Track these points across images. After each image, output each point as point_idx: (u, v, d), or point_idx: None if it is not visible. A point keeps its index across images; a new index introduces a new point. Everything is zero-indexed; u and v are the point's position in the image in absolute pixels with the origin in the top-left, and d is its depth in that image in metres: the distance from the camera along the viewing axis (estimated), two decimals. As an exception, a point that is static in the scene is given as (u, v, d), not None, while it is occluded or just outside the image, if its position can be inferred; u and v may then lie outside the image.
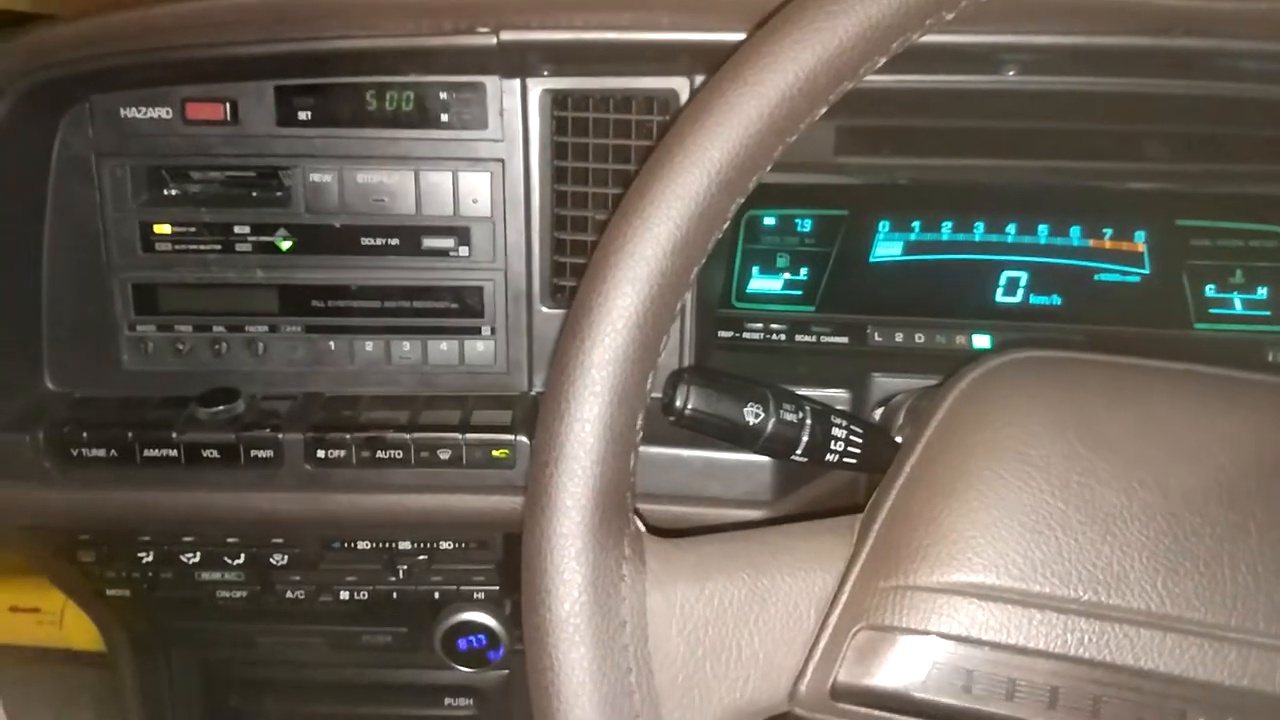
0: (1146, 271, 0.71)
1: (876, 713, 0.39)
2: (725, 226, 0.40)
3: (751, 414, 0.49)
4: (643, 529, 0.41)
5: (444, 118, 0.60)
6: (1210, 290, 0.71)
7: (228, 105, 0.60)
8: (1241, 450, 0.40)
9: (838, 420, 0.50)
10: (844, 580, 0.40)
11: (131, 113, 0.60)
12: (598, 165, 0.61)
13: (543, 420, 0.39)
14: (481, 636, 0.69)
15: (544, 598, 0.37)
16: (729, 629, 0.40)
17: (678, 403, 0.48)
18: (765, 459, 0.59)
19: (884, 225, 0.72)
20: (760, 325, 0.71)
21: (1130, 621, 0.38)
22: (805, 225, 0.73)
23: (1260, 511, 0.39)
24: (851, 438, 0.50)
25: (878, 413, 0.63)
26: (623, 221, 0.39)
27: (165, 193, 0.62)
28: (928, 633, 0.39)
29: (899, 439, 0.53)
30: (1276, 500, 0.39)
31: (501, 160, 0.61)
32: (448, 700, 0.75)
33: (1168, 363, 0.44)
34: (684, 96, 0.60)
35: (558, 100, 0.61)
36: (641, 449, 0.59)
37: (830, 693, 0.39)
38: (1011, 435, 0.41)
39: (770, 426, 0.49)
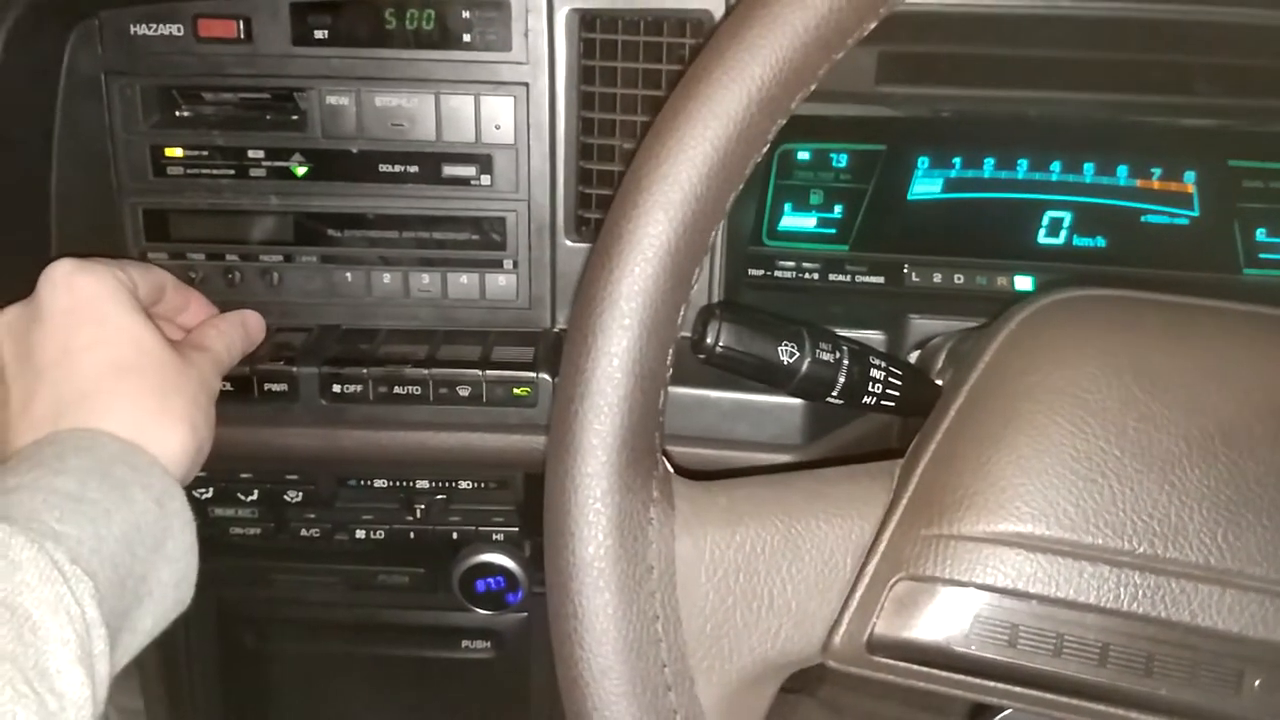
0: (1195, 214, 0.69)
1: (915, 666, 0.38)
2: (765, 150, 0.37)
3: (786, 353, 0.46)
4: (671, 471, 0.39)
5: (466, 38, 0.57)
6: (1261, 234, 0.69)
7: (241, 23, 0.57)
8: None
9: (876, 361, 0.48)
10: (883, 528, 0.39)
11: (142, 29, 0.58)
12: (626, 91, 0.58)
13: (568, 354, 0.37)
14: (500, 579, 0.68)
15: (567, 540, 0.35)
16: (761, 577, 0.38)
17: (709, 339, 0.46)
18: (795, 401, 0.57)
19: (923, 161, 0.69)
20: (792, 264, 0.69)
21: (1187, 576, 0.36)
22: (841, 160, 0.70)
23: None
24: (890, 379, 0.48)
25: (914, 355, 0.61)
26: (656, 142, 0.36)
27: (177, 114, 0.59)
28: (971, 584, 0.37)
29: (939, 382, 0.51)
30: None
31: (526, 84, 0.58)
32: (465, 643, 0.74)
33: (1229, 303, 0.42)
34: (719, 17, 0.56)
35: (585, 21, 0.58)
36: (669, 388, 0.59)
37: (866, 645, 0.38)
38: (1064, 378, 0.38)
39: (805, 366, 0.47)
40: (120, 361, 0.45)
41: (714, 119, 0.36)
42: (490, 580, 0.69)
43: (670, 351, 0.38)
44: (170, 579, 0.42)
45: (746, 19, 0.36)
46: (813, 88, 0.37)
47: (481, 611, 0.71)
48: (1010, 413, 0.38)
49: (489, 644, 0.74)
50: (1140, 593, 0.36)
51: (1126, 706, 0.37)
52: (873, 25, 0.37)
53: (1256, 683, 0.36)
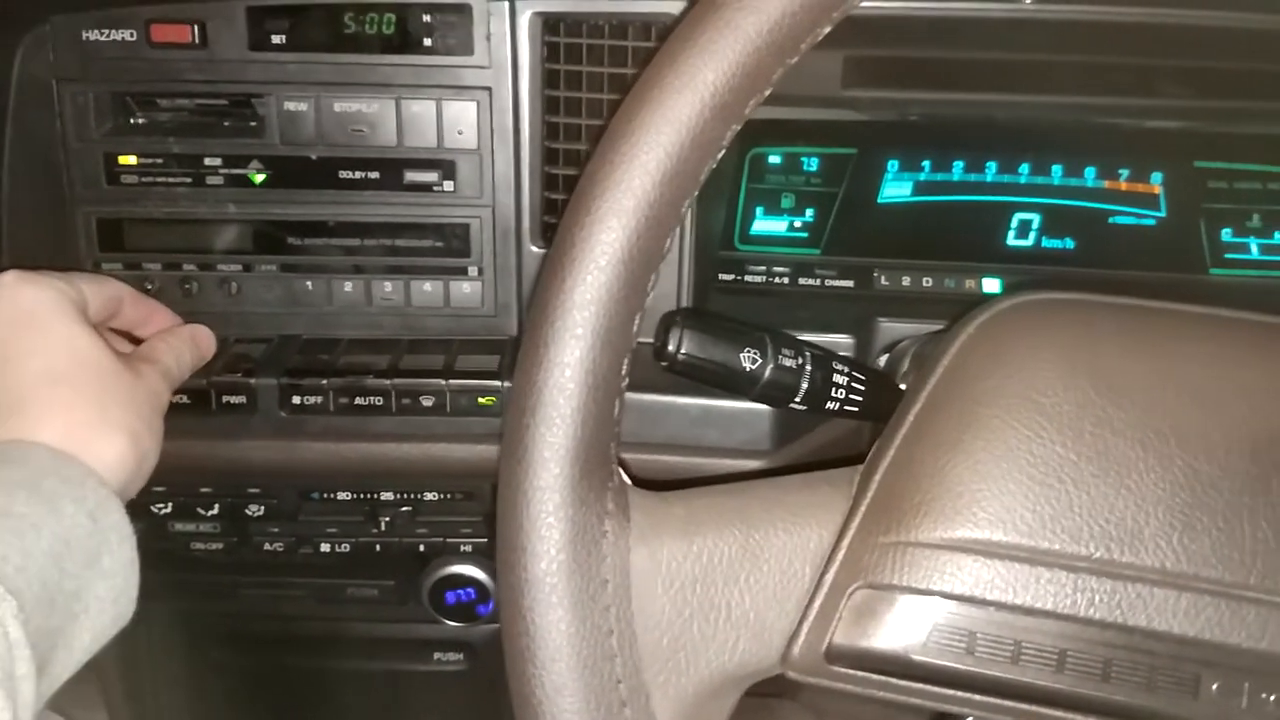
0: (1162, 214, 0.69)
1: (874, 676, 0.37)
2: (720, 155, 0.37)
3: (748, 359, 0.46)
4: (627, 482, 0.39)
5: (427, 42, 0.57)
6: (1227, 235, 0.69)
7: (195, 27, 0.56)
8: (1263, 399, 0.38)
9: (839, 366, 0.48)
10: (841, 536, 0.38)
11: (94, 35, 0.57)
12: (591, 95, 0.57)
13: (520, 365, 0.36)
14: (470, 590, 0.68)
15: (519, 556, 0.35)
16: (718, 588, 0.38)
17: (670, 347, 0.45)
18: (765, 406, 0.57)
19: (893, 165, 0.69)
20: (763, 268, 0.69)
21: (1144, 580, 0.36)
22: (812, 164, 0.70)
23: None
24: (853, 385, 0.48)
25: (883, 359, 0.61)
26: (608, 149, 0.36)
27: (131, 121, 0.58)
28: (929, 592, 0.37)
29: (903, 386, 0.51)
30: None
31: (489, 89, 0.58)
32: (437, 655, 0.73)
33: (1187, 306, 0.42)
34: (681, 21, 0.56)
35: (549, 24, 0.57)
36: (635, 396, 0.58)
37: (825, 655, 0.37)
38: (1021, 382, 0.38)
39: (767, 373, 0.46)
40: (56, 371, 0.44)
41: (667, 125, 0.35)
42: (460, 592, 0.68)
43: (626, 361, 0.37)
44: (108, 594, 0.41)
45: (699, 23, 0.35)
46: (767, 92, 0.37)
47: (452, 623, 0.70)
48: (967, 418, 0.38)
49: (461, 655, 0.74)
50: (1097, 598, 0.36)
51: (1085, 712, 0.36)
52: (827, 30, 0.37)
53: (1214, 686, 0.36)
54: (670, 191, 0.36)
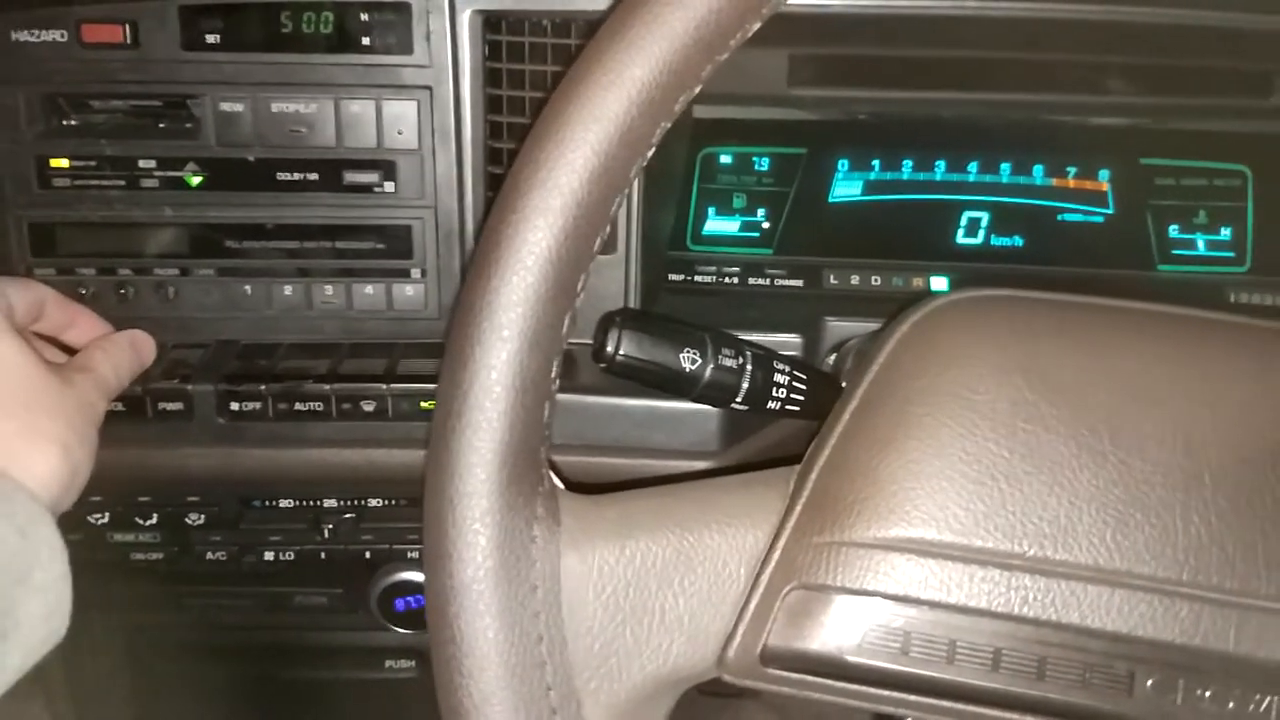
0: (1110, 211, 0.69)
1: (809, 678, 0.37)
2: (650, 153, 0.36)
3: (688, 360, 0.46)
4: (559, 485, 0.38)
5: (365, 41, 0.56)
6: (1174, 231, 0.69)
7: (127, 27, 0.55)
8: (1197, 394, 0.38)
9: (780, 366, 0.48)
10: (776, 536, 0.38)
11: (23, 35, 0.55)
12: (535, 94, 0.57)
13: (446, 368, 0.35)
14: (420, 596, 0.67)
15: (445, 563, 0.34)
16: (651, 592, 0.37)
17: (608, 348, 0.45)
18: (712, 407, 0.56)
19: (843, 164, 0.69)
20: (713, 268, 0.69)
21: (1077, 578, 0.36)
22: (763, 164, 0.70)
23: (1216, 459, 0.37)
24: (795, 384, 0.48)
25: (831, 358, 0.60)
26: (534, 147, 0.35)
27: (63, 123, 0.57)
28: (864, 592, 0.36)
29: (845, 384, 0.51)
30: (1233, 447, 0.37)
31: (429, 88, 0.57)
32: (389, 663, 0.72)
33: (1124, 302, 0.42)
34: (624, 20, 0.55)
35: (490, 22, 0.57)
36: (580, 398, 0.58)
37: (760, 657, 0.37)
38: (954, 379, 0.38)
39: (708, 373, 0.46)
40: None
41: (594, 122, 0.35)
42: (410, 599, 0.67)
43: (556, 363, 0.36)
44: (40, 611, 0.40)
45: (625, 20, 0.35)
46: (697, 89, 0.37)
47: (403, 630, 0.69)
48: (901, 416, 0.38)
49: (413, 663, 0.73)
50: (1031, 595, 0.36)
51: (1020, 711, 0.36)
52: (756, 26, 0.36)
53: (1149, 683, 0.36)
54: (599, 190, 0.35)
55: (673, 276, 0.69)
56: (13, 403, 0.43)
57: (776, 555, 0.37)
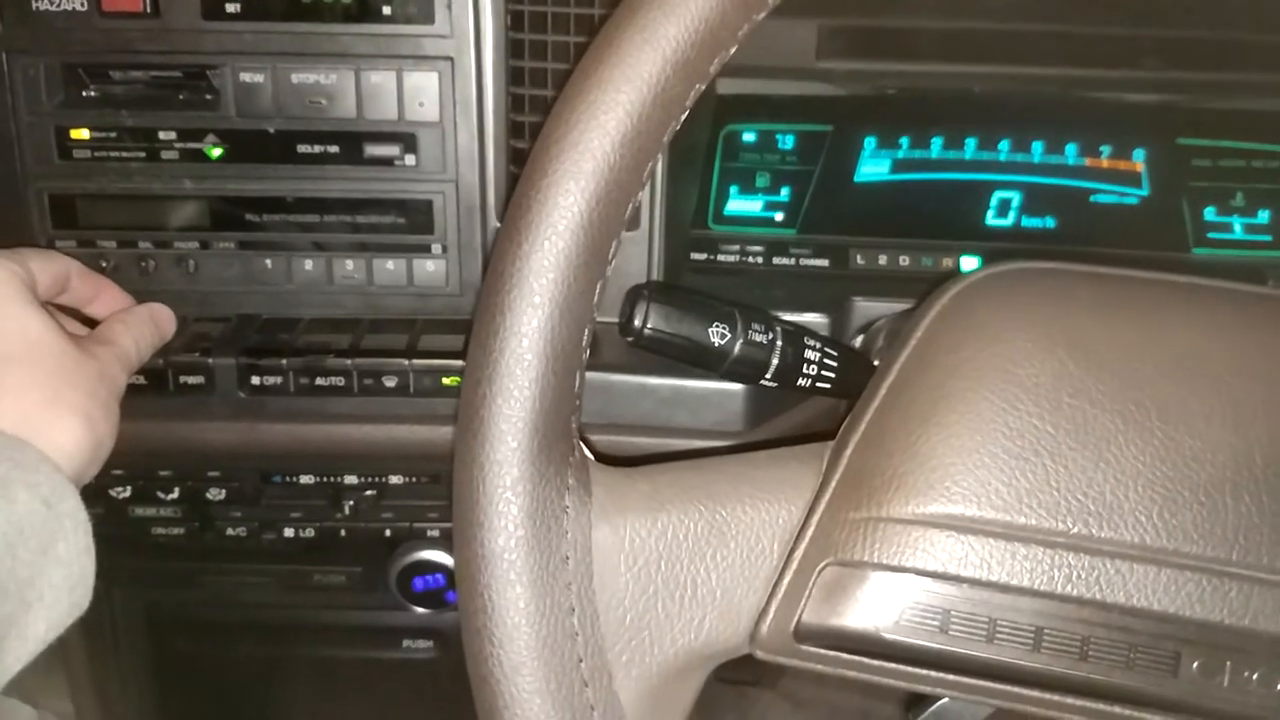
0: (1145, 193, 0.68)
1: (844, 655, 0.36)
2: (683, 116, 0.35)
3: (717, 334, 0.45)
4: (589, 456, 0.38)
5: (386, 11, 0.55)
6: (1210, 214, 0.68)
7: (147, -4, 0.54)
8: (1247, 368, 0.37)
9: (811, 342, 0.47)
10: (810, 512, 0.37)
11: (43, 5, 0.55)
12: (557, 66, 0.56)
13: (476, 335, 0.35)
14: (439, 576, 0.66)
15: (476, 531, 0.33)
16: (683, 565, 0.36)
17: (636, 321, 0.44)
18: (737, 386, 0.55)
19: (870, 142, 0.68)
20: (736, 248, 0.68)
21: (1123, 556, 0.35)
22: (787, 142, 0.69)
23: (1267, 435, 0.36)
24: (826, 360, 0.47)
25: (859, 339, 0.59)
26: (565, 108, 0.34)
27: (83, 94, 0.56)
28: (901, 569, 0.35)
29: (877, 363, 0.50)
30: None
31: (450, 59, 0.56)
32: (406, 642, 0.72)
33: (1169, 275, 0.40)
34: (651, -12, 0.54)
35: (512, -9, 0.56)
36: (603, 376, 0.57)
37: (794, 634, 0.36)
38: (996, 353, 0.37)
39: (737, 348, 0.45)
40: (8, 354, 0.42)
41: (627, 83, 0.34)
42: (429, 578, 0.67)
43: (587, 331, 0.36)
44: (63, 582, 0.40)
45: None
46: (733, 50, 0.36)
47: (421, 610, 0.68)
48: (941, 390, 0.37)
49: (431, 643, 0.72)
50: (1075, 574, 0.35)
51: (1062, 692, 0.35)
52: None
53: (1195, 665, 0.35)
54: (631, 154, 0.34)
55: (695, 255, 0.68)
56: (38, 375, 0.42)
57: (810, 531, 0.37)
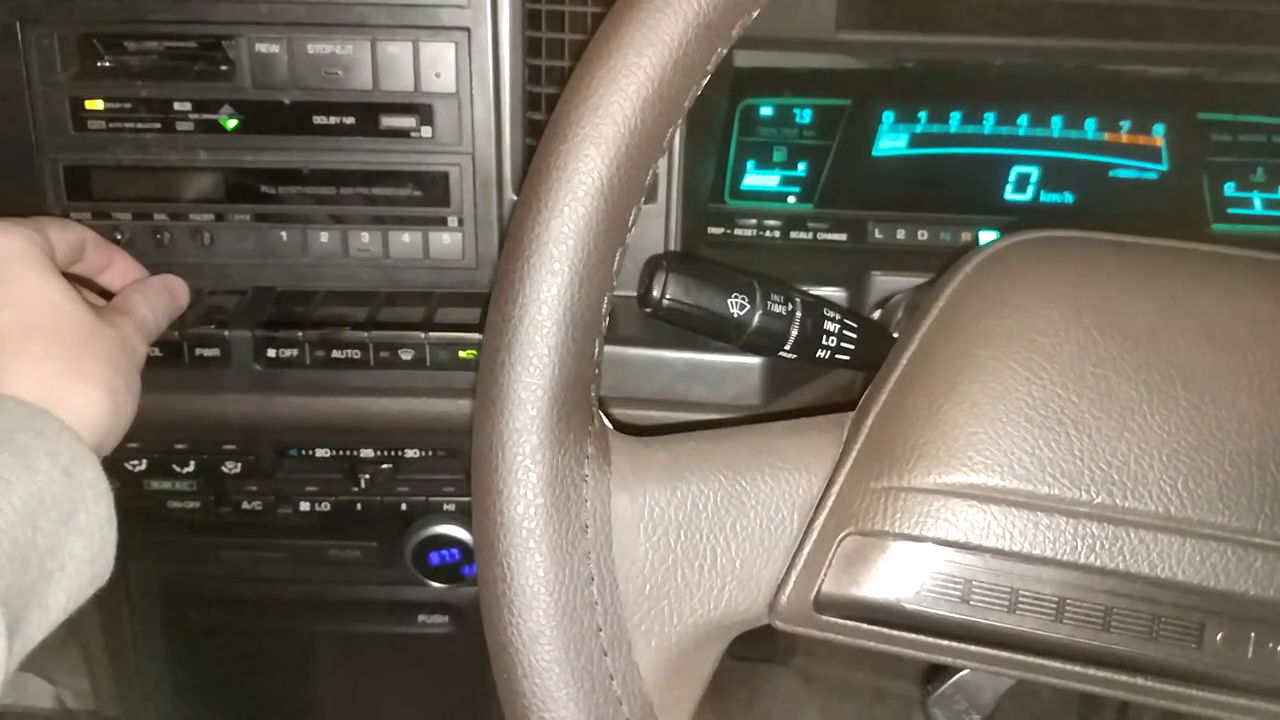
0: (1164, 168, 0.67)
1: (865, 625, 0.36)
2: (705, 81, 0.35)
3: (736, 305, 0.44)
4: (608, 425, 0.37)
5: (403, -21, 0.54)
6: (1230, 189, 0.67)
7: (162, -36, 0.54)
8: (1273, 338, 0.36)
9: (830, 313, 0.46)
10: (831, 482, 0.37)
11: (58, -26, 0.54)
12: (575, 37, 0.55)
13: (495, 302, 0.34)
14: (454, 551, 0.66)
15: (495, 499, 0.33)
16: (703, 534, 0.36)
17: (655, 292, 0.44)
18: (754, 360, 0.55)
19: (888, 116, 0.67)
20: (754, 222, 0.67)
21: (1147, 526, 0.34)
22: (805, 116, 0.68)
23: None
24: (845, 332, 0.46)
25: (877, 313, 0.59)
26: (585, 72, 0.34)
27: (98, 65, 0.56)
28: (923, 538, 0.35)
29: (897, 335, 0.49)
30: None
31: (467, 29, 0.55)
32: (421, 617, 0.72)
33: (1191, 244, 0.40)
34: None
35: (529, -39, 0.55)
36: (620, 349, 0.56)
37: (814, 604, 0.36)
38: (1020, 321, 0.37)
39: (756, 319, 0.45)
40: (30, 323, 0.42)
41: (648, 46, 0.33)
42: (444, 553, 0.67)
43: (606, 299, 0.35)
44: (84, 553, 0.40)
45: None
46: (755, 13, 0.35)
47: (436, 585, 0.68)
48: (963, 359, 0.36)
49: (446, 618, 0.72)
50: (1098, 544, 0.34)
51: (1084, 663, 0.35)
52: None
53: (1219, 636, 0.34)
54: (653, 118, 0.34)
55: (712, 230, 0.67)
56: (59, 344, 0.42)
57: (831, 501, 0.36)
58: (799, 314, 0.45)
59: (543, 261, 0.33)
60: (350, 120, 0.56)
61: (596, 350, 0.35)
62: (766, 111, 0.68)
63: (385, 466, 0.62)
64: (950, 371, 0.37)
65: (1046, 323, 0.36)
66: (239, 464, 0.62)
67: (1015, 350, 0.36)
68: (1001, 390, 0.36)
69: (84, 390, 0.42)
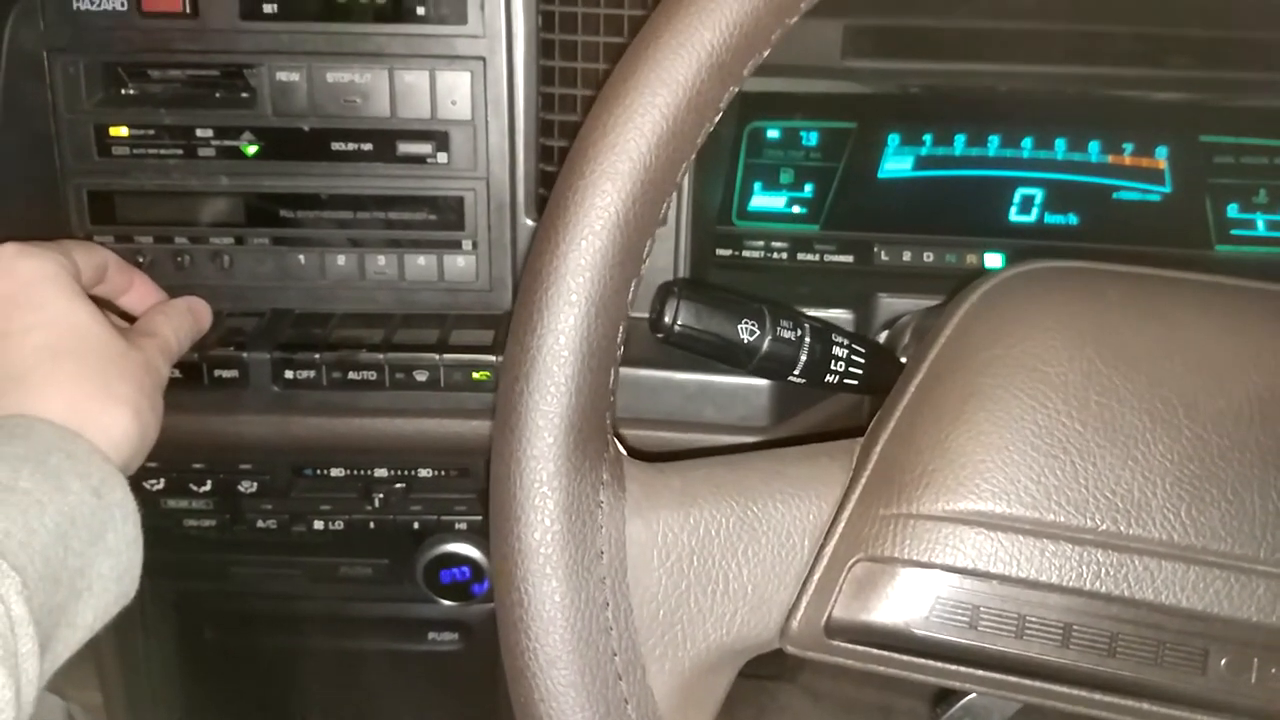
0: (1167, 190, 0.68)
1: (874, 650, 0.37)
2: (718, 118, 0.36)
3: (746, 331, 0.45)
4: (623, 452, 0.38)
5: (420, 11, 0.56)
6: (1233, 210, 0.68)
7: (186, -3, 0.55)
8: (1274, 366, 0.37)
9: (838, 339, 0.47)
10: (841, 508, 0.37)
11: (84, 5, 0.56)
12: (588, 65, 0.56)
13: (513, 333, 0.35)
14: (465, 569, 0.67)
15: (513, 525, 0.34)
16: (715, 560, 0.37)
17: (666, 318, 0.44)
18: (762, 382, 0.56)
19: (894, 139, 0.68)
20: (761, 243, 0.68)
21: (1151, 553, 0.35)
22: (811, 139, 0.69)
23: None
24: (853, 357, 0.47)
25: (883, 335, 0.60)
26: (602, 111, 0.35)
27: (122, 92, 0.57)
28: (931, 565, 0.36)
29: (904, 360, 0.50)
30: None
31: (483, 58, 0.57)
32: (432, 635, 0.72)
33: (1194, 274, 0.41)
34: (680, -11, 0.55)
35: (543, -7, 0.56)
36: (631, 371, 0.57)
37: (825, 629, 0.37)
38: (1026, 351, 0.37)
39: (766, 345, 0.45)
40: (59, 346, 0.43)
41: (663, 86, 0.34)
42: (455, 571, 0.67)
43: (621, 329, 0.36)
44: (111, 572, 0.41)
45: None
46: (766, 53, 0.36)
47: (447, 603, 0.69)
48: (970, 388, 0.37)
49: (456, 635, 0.73)
50: (1103, 571, 0.35)
51: (1090, 688, 0.36)
52: None
53: (1222, 662, 0.35)
54: (667, 154, 0.35)
55: (720, 251, 0.68)
56: (88, 367, 0.43)
57: (841, 527, 0.37)
58: (808, 339, 0.46)
59: (560, 293, 0.34)
60: (368, 147, 0.57)
61: (612, 379, 0.36)
62: (773, 134, 0.69)
63: (398, 486, 0.63)
64: (957, 400, 0.37)
65: (1051, 352, 0.37)
66: (255, 483, 0.63)
67: (1021, 379, 0.37)
68: (1008, 419, 0.36)
69: (112, 412, 0.43)
